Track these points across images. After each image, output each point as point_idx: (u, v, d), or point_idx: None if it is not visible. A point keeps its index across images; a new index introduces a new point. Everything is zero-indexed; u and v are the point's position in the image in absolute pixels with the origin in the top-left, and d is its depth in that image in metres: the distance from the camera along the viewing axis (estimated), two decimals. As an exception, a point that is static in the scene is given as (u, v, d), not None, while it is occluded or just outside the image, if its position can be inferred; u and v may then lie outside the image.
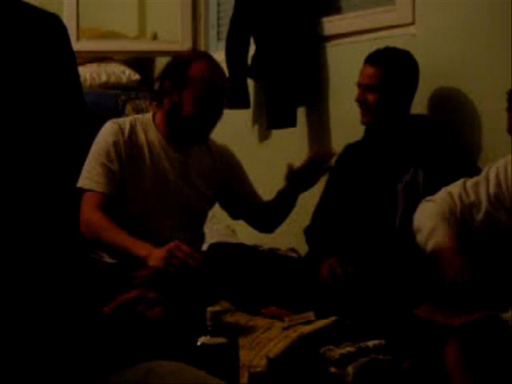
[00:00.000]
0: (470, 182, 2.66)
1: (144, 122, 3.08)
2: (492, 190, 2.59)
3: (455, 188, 2.68)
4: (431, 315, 2.37)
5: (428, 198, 2.73)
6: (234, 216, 3.32)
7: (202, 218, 3.20)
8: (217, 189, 3.17)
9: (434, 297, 2.49)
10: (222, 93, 3.02)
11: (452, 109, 3.24)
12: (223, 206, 3.27)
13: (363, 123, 3.21)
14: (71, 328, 1.43)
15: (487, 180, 2.62)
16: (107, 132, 3.01)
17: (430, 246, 2.59)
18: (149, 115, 3.13)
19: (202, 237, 3.23)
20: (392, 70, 3.12)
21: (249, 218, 3.29)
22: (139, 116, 3.17)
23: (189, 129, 3.01)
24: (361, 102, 3.16)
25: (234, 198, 3.22)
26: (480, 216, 2.61)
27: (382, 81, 3.10)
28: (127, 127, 3.04)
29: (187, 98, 2.97)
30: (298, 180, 3.07)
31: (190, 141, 3.08)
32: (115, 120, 3.11)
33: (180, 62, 3.02)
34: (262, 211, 3.22)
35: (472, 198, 2.62)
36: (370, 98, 3.12)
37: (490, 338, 2.23)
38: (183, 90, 2.97)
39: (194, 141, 3.08)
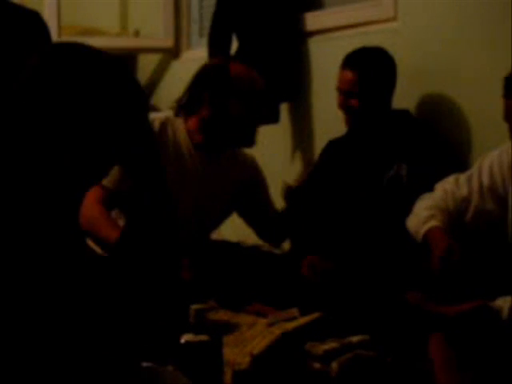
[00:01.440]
0: (463, 177, 2.68)
1: (175, 125, 3.03)
2: (485, 181, 2.61)
3: (449, 184, 2.69)
4: (421, 302, 2.38)
5: (425, 195, 2.74)
6: (250, 224, 3.30)
7: (213, 227, 3.21)
8: (236, 199, 3.15)
9: (422, 285, 2.50)
10: (264, 91, 3.02)
11: (434, 104, 3.25)
12: (240, 213, 3.26)
13: (347, 127, 3.21)
14: (67, 318, 1.43)
15: (480, 171, 2.64)
16: None
17: (421, 233, 2.61)
18: (180, 120, 3.06)
19: (208, 242, 3.22)
20: (369, 73, 3.11)
21: (260, 229, 3.28)
22: (170, 118, 3.10)
23: (237, 131, 2.98)
24: (343, 108, 3.15)
25: (252, 208, 3.21)
26: (472, 208, 2.63)
27: (362, 86, 3.10)
28: (156, 126, 3.00)
29: (234, 102, 2.94)
30: (296, 199, 3.06)
31: (237, 145, 3.06)
32: None
33: (215, 69, 3.00)
34: (273, 224, 3.22)
35: (464, 192, 2.64)
36: (354, 103, 3.11)
37: (482, 327, 2.24)
38: (226, 95, 2.94)
39: (242, 143, 3.06)
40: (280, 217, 3.19)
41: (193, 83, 3.05)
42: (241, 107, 2.95)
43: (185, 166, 3.02)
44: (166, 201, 1.88)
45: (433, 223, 2.61)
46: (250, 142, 3.05)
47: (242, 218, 3.27)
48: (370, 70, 3.11)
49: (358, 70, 3.10)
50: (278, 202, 3.25)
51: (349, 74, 3.11)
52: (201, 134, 3.01)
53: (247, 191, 3.15)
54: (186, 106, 3.05)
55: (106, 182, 2.90)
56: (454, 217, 2.64)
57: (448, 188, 2.69)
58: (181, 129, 3.04)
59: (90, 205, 2.83)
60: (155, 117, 3.11)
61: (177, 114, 3.08)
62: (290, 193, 3.05)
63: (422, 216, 2.65)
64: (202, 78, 3.02)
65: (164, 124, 3.02)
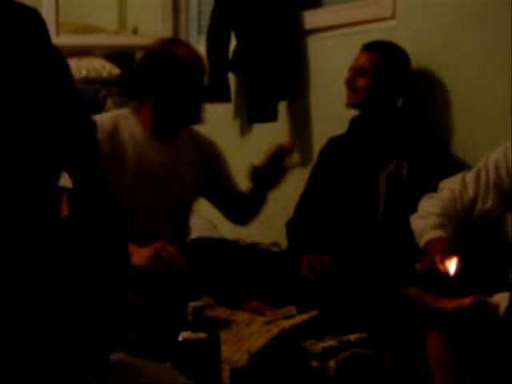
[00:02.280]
0: (469, 176, 2.67)
1: (126, 118, 3.05)
2: (492, 177, 2.62)
3: (456, 184, 2.68)
4: (419, 297, 2.39)
5: (430, 194, 2.73)
6: (215, 204, 3.33)
7: (186, 211, 3.20)
8: (202, 180, 3.17)
9: (418, 281, 2.51)
10: (204, 67, 3.10)
11: (432, 103, 3.25)
12: (204, 194, 3.26)
13: (348, 105, 3.21)
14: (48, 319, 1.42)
15: (486, 169, 2.64)
16: None
17: (426, 238, 2.60)
18: (128, 111, 3.10)
19: (187, 230, 3.23)
20: (387, 58, 3.14)
21: (226, 209, 3.30)
22: (119, 112, 3.14)
23: (187, 112, 3.03)
24: (349, 84, 3.16)
25: (216, 187, 3.22)
26: (477, 208, 2.64)
27: (376, 66, 3.11)
28: (108, 124, 3.01)
29: (181, 84, 2.99)
30: (261, 180, 3.08)
31: (188, 124, 3.10)
32: (95, 117, 3.10)
33: (159, 54, 3.02)
34: (238, 203, 3.24)
35: (471, 193, 2.64)
36: (360, 82, 3.12)
37: (480, 322, 2.24)
38: (174, 77, 2.98)
39: (193, 122, 3.10)
40: (246, 196, 3.21)
41: (139, 70, 3.08)
42: (188, 87, 3.00)
43: (146, 157, 3.04)
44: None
45: (439, 233, 2.59)
46: (199, 118, 3.08)
47: (207, 198, 3.27)
48: (389, 56, 3.14)
49: (377, 52, 3.14)
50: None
51: (367, 55, 3.14)
52: (152, 119, 3.05)
53: (209, 170, 3.18)
54: (135, 93, 3.10)
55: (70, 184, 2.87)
56: (462, 220, 2.65)
57: (455, 188, 2.67)
58: (133, 120, 3.06)
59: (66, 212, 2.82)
60: (104, 116, 3.14)
61: (127, 101, 3.12)
62: (255, 173, 3.07)
63: (431, 221, 2.62)
64: (148, 64, 3.04)
65: (114, 121, 3.04)
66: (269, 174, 3.06)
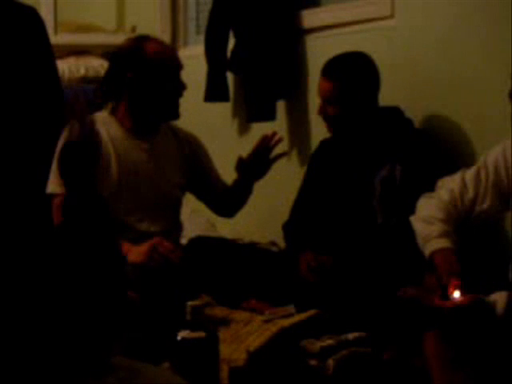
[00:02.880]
0: (468, 175, 2.66)
1: (104, 120, 3.05)
2: (491, 177, 2.61)
3: (455, 183, 2.66)
4: (417, 296, 2.38)
5: (429, 194, 2.72)
6: (200, 198, 3.33)
7: (176, 206, 3.19)
8: (187, 174, 3.17)
9: (418, 281, 2.50)
10: (179, 61, 3.09)
11: (430, 102, 3.24)
12: (190, 189, 3.27)
13: (329, 132, 3.19)
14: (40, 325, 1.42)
15: (486, 168, 2.63)
16: (68, 133, 2.97)
17: (432, 247, 2.58)
18: (105, 112, 3.09)
19: (179, 226, 3.22)
20: (346, 83, 3.05)
21: (211, 201, 3.30)
22: (96, 114, 3.12)
23: (162, 108, 3.04)
24: (322, 114, 3.12)
25: (200, 179, 3.23)
26: (477, 208, 2.64)
27: (339, 95, 3.05)
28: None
29: (153, 80, 2.99)
30: (247, 170, 3.11)
31: (164, 121, 3.11)
32: (76, 120, 3.10)
33: (130, 51, 3.03)
34: (224, 196, 3.25)
35: (471, 193, 2.63)
36: (330, 111, 3.07)
37: (477, 321, 2.24)
38: (146, 74, 2.99)
39: (169, 118, 3.10)
40: (230, 188, 3.23)
41: (110, 70, 3.09)
42: (161, 83, 3.00)
43: (128, 156, 3.04)
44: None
45: (445, 243, 2.56)
46: (176, 114, 3.09)
47: (192, 191, 3.27)
48: (347, 80, 3.03)
49: (335, 80, 3.04)
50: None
51: (326, 83, 3.08)
52: (130, 118, 3.05)
53: (193, 163, 3.18)
54: (109, 93, 3.10)
55: (60, 190, 2.85)
56: (462, 219, 2.64)
57: (455, 189, 2.66)
58: (111, 122, 3.07)
59: (57, 218, 2.82)
60: None
61: (103, 102, 3.12)
62: (241, 164, 3.10)
63: (436, 228, 2.59)
64: (119, 62, 3.05)
65: (94, 123, 3.04)
66: (255, 165, 3.09)
